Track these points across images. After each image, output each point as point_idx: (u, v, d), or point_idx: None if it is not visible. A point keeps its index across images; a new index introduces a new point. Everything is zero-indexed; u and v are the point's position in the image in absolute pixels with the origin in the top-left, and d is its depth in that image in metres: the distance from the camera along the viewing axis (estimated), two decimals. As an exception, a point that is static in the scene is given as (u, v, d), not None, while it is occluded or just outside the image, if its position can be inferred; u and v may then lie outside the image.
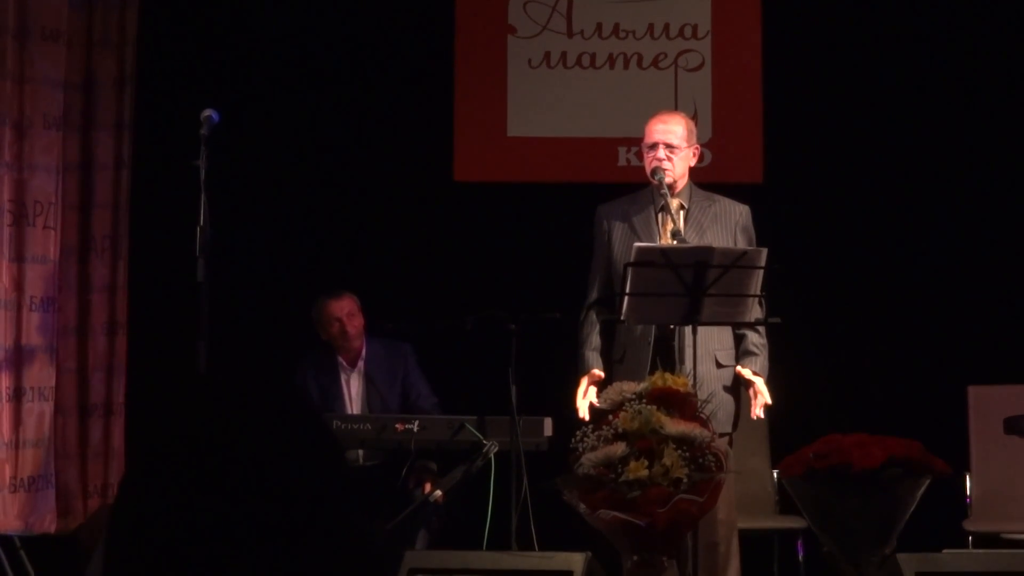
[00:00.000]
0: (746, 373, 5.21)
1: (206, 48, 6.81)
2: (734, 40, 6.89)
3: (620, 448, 4.47)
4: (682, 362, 4.91)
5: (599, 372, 5.27)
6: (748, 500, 5.83)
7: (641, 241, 5.10)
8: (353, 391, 6.31)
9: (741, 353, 5.26)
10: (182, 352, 5.30)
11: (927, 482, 4.58)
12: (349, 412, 6.19)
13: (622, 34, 6.94)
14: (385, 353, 6.33)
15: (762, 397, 5.17)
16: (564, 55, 6.95)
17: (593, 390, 5.19)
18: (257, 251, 6.75)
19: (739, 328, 5.22)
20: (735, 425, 5.26)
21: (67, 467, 6.21)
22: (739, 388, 5.25)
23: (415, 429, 5.60)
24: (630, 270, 4.80)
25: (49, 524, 6.06)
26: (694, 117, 5.75)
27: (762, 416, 5.24)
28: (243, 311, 6.57)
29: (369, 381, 6.28)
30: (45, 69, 6.12)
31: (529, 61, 6.94)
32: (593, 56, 6.94)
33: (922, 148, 6.78)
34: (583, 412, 5.14)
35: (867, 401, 6.48)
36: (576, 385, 5.29)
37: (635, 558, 4.56)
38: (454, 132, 6.92)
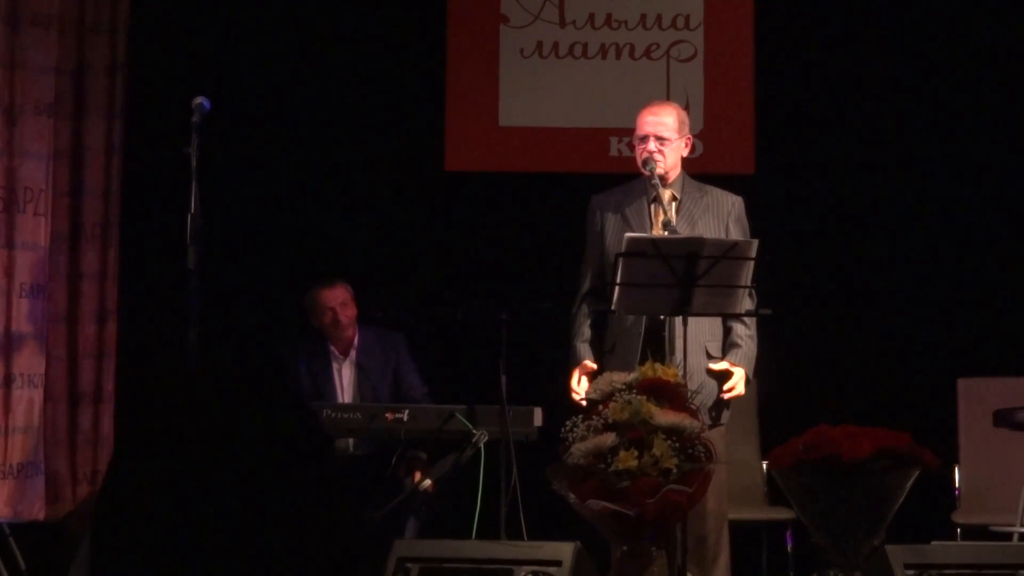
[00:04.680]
0: (723, 365, 5.20)
1: (198, 35, 6.79)
2: (726, 31, 6.89)
3: (610, 438, 4.47)
4: (672, 353, 4.90)
5: (591, 363, 5.26)
6: (737, 491, 5.83)
7: (633, 232, 5.09)
8: (345, 380, 6.30)
9: (727, 345, 5.25)
10: (172, 340, 5.30)
11: (916, 474, 4.57)
12: (340, 401, 6.19)
13: (614, 24, 6.93)
14: (378, 343, 6.33)
15: (736, 389, 5.17)
16: (556, 45, 6.94)
17: (585, 380, 5.18)
18: (248, 239, 6.74)
19: (729, 320, 5.22)
20: (725, 416, 5.26)
21: (56, 454, 6.20)
22: (728, 379, 5.24)
23: (405, 418, 5.59)
24: (621, 260, 4.80)
25: (38, 511, 6.05)
26: (686, 108, 5.74)
27: (728, 397, 5.23)
28: (234, 299, 6.56)
29: (361, 370, 6.27)
30: (36, 55, 6.10)
31: (521, 51, 6.94)
32: (585, 46, 6.93)
33: (913, 140, 6.78)
34: (581, 396, 5.11)
35: (857, 392, 6.49)
36: (567, 376, 5.29)
37: (624, 548, 4.56)
38: (446, 121, 6.91)
